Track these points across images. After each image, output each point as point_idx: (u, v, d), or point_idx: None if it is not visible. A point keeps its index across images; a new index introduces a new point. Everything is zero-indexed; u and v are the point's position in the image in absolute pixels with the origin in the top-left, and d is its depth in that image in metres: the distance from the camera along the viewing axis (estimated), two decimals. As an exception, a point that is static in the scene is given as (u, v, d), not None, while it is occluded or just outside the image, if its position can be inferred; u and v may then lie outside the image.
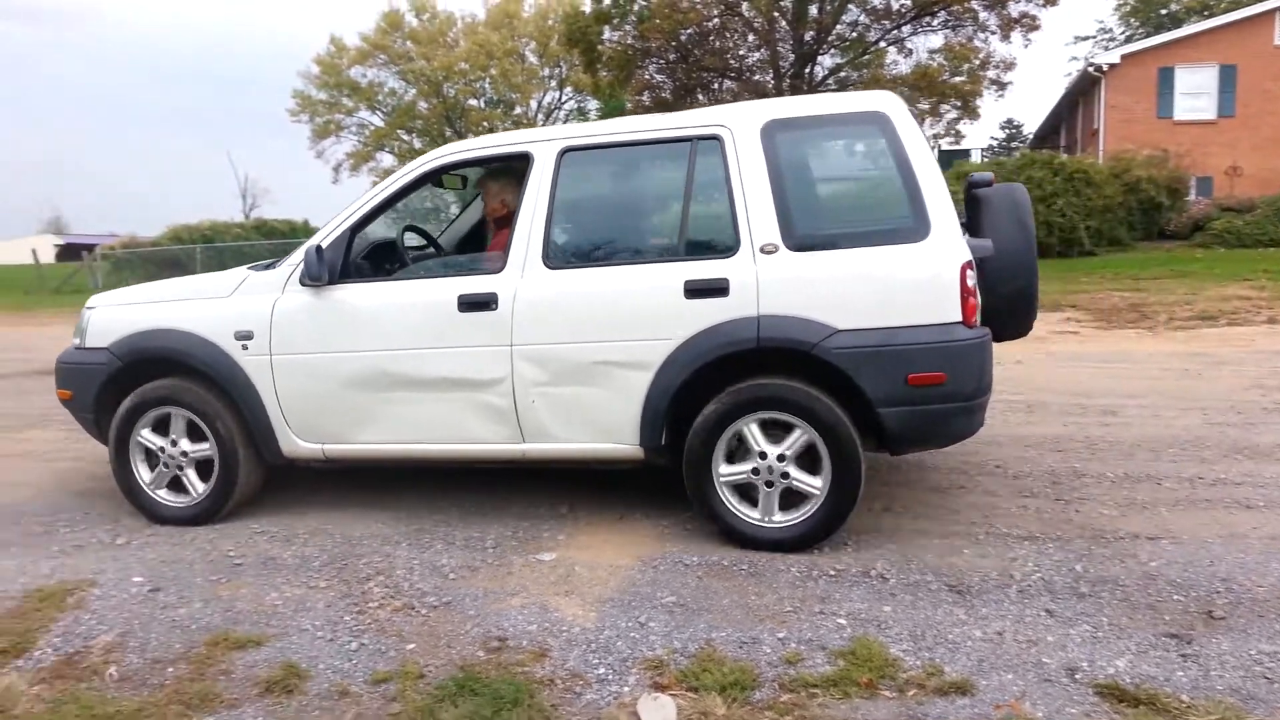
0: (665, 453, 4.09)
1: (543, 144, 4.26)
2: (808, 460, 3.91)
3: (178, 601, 3.69)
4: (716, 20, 24.87)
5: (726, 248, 3.94)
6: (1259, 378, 7.42)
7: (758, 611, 3.40)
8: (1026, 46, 23.31)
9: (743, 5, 24.16)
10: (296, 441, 4.46)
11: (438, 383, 4.22)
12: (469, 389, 4.19)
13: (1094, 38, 43.90)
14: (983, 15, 22.97)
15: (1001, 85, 23.96)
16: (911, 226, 3.78)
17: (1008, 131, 47.87)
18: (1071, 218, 17.86)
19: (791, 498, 3.95)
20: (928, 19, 23.58)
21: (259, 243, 28.46)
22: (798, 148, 4.05)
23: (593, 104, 40.82)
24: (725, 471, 3.98)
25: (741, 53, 26.26)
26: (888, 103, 3.97)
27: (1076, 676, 2.88)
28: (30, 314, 20.73)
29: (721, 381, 3.95)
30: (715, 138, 4.03)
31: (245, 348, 4.41)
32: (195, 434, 4.55)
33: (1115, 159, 19.75)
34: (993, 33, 23.19)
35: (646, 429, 4.02)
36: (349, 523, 4.51)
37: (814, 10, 23.97)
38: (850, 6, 23.79)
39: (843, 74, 25.71)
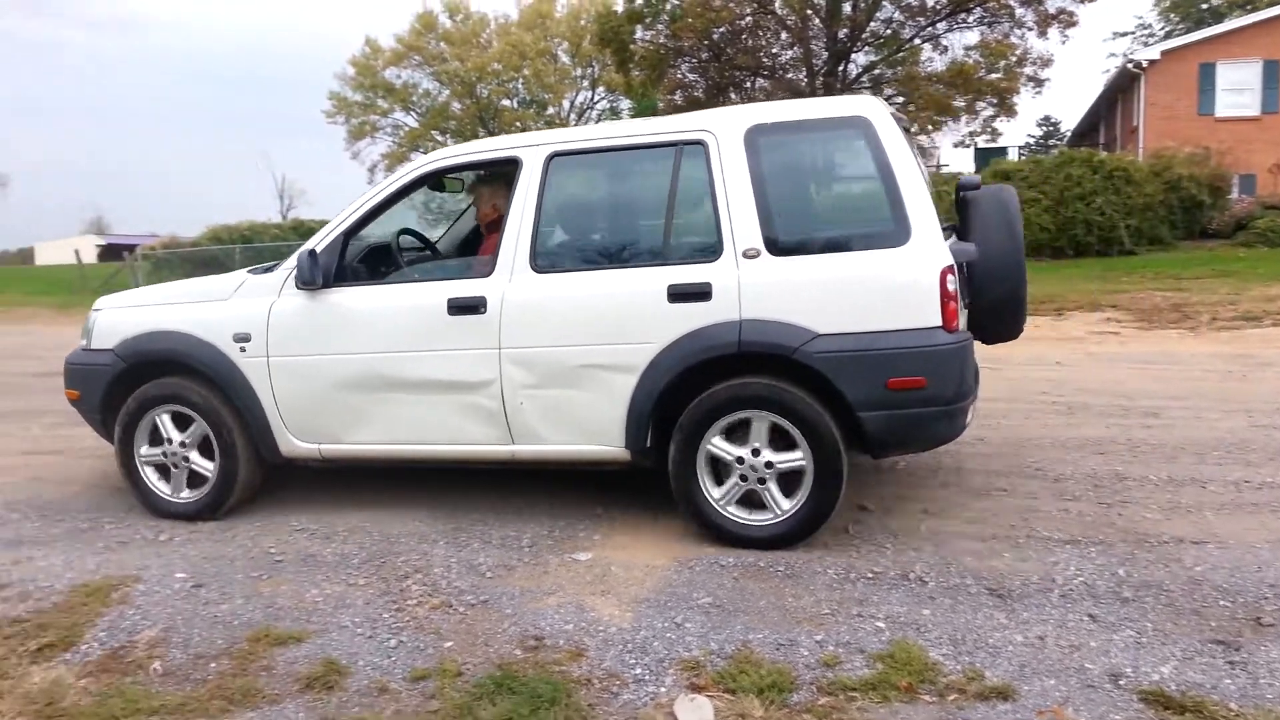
0: (651, 455, 4.12)
1: (531, 149, 4.31)
2: (788, 453, 3.94)
3: (220, 597, 3.74)
4: (749, 18, 24.81)
5: (709, 252, 3.97)
6: (1305, 379, 7.28)
7: (795, 613, 3.39)
8: (1064, 43, 23.13)
9: (776, 3, 24.09)
10: (293, 441, 4.54)
11: (429, 385, 4.28)
12: (459, 391, 4.25)
13: (1133, 33, 43.26)
14: (1019, 11, 22.74)
15: (1039, 82, 23.73)
16: (892, 231, 3.80)
17: (1045, 129, 47.35)
18: (1111, 216, 17.60)
19: (756, 498, 3.99)
20: (963, 15, 23.37)
21: (296, 243, 28.52)
22: (780, 153, 4.05)
23: (625, 104, 40.85)
24: (710, 481, 4.01)
25: (774, 51, 26.20)
26: (870, 108, 3.97)
27: (1120, 683, 2.84)
28: (74, 313, 21.07)
29: (706, 385, 3.97)
30: (700, 143, 4.06)
31: (243, 349, 4.50)
32: (197, 433, 4.65)
33: (1155, 156, 19.42)
34: (1029, 29, 22.96)
35: (632, 431, 4.06)
36: (387, 521, 4.55)
37: (848, 7, 23.84)
38: (885, 3, 23.65)
39: (876, 72, 25.57)
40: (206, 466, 4.66)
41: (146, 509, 4.78)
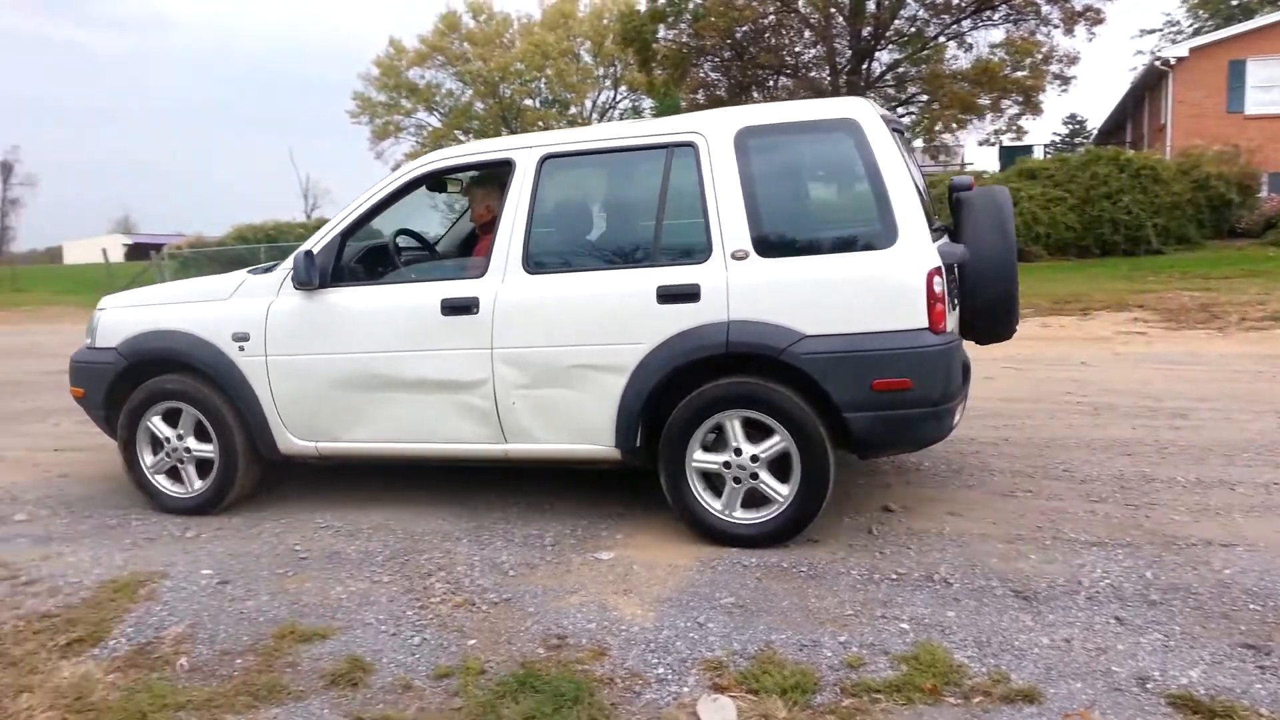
0: (641, 454, 4.15)
1: (524, 150, 4.35)
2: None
3: (245, 594, 3.77)
4: (772, 17, 24.76)
5: (699, 253, 3.99)
6: (1337, 380, 7.17)
7: (818, 614, 3.38)
8: (1090, 40, 22.90)
9: (799, 1, 24.01)
10: (291, 439, 4.61)
11: (423, 384, 4.33)
12: (452, 390, 4.30)
13: (1160, 30, 42.80)
14: (1045, 9, 22.58)
15: (1065, 80, 23.54)
16: (880, 233, 3.82)
17: (1071, 127, 46.89)
18: (1138, 215, 17.44)
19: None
20: (988, 13, 23.21)
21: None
22: (770, 154, 4.07)
23: (647, 103, 40.82)
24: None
25: (797, 49, 26.12)
26: (859, 110, 3.97)
27: (1148, 686, 2.81)
28: (101, 311, 21.31)
29: (696, 385, 4.00)
30: (690, 145, 4.08)
31: (242, 348, 4.57)
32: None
33: (1183, 155, 19.23)
34: (1055, 26, 22.79)
35: (622, 431, 4.09)
36: (411, 519, 4.57)
37: (872, 5, 23.72)
38: (909, 1, 23.49)
39: (901, 70, 25.42)
40: (206, 449, 4.74)
41: (151, 505, 4.88)
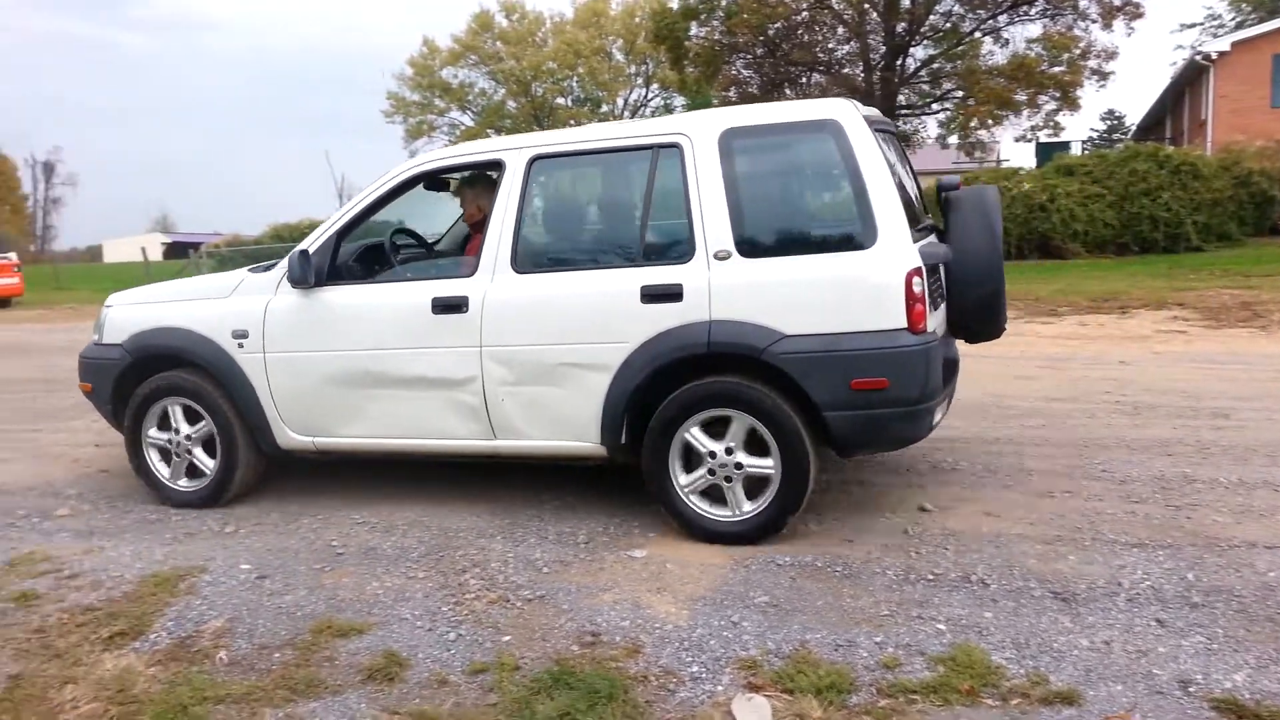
0: (626, 451, 4.20)
1: (514, 151, 4.41)
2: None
3: (283, 589, 3.81)
4: (805, 13, 24.61)
5: (682, 253, 4.04)
6: (1385, 380, 7.02)
7: (853, 614, 3.36)
8: (1129, 35, 22.57)
9: (832, -2, 23.85)
10: (289, 434, 4.72)
11: (415, 381, 4.41)
12: (443, 387, 4.37)
13: (1202, 24, 42.03)
14: (1083, 3, 22.25)
15: (1103, 75, 23.14)
16: (859, 233, 3.84)
17: (1109, 123, 46.30)
18: (1178, 212, 17.12)
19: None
20: (1025, 7, 22.92)
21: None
22: (753, 155, 4.12)
23: (679, 100, 40.78)
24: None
25: (831, 46, 25.95)
26: (841, 111, 3.99)
27: (1190, 689, 2.77)
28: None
29: (680, 384, 4.04)
30: (675, 146, 4.12)
31: (241, 345, 4.68)
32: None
33: (1225, 151, 18.86)
34: (1093, 21, 22.44)
35: (607, 428, 4.15)
36: (446, 515, 4.60)
37: (906, 1, 23.51)
38: (944, -4, 23.25)
39: (936, 66, 25.17)
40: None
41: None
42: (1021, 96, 23.24)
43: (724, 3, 24.62)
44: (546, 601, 3.59)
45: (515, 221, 4.29)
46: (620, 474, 4.91)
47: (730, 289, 3.91)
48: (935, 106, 26.20)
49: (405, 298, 4.46)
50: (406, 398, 4.45)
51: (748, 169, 4.05)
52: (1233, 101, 23.03)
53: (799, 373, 3.83)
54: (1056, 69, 23.01)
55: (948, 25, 24.07)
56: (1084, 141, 36.30)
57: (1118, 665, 2.93)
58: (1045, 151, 25.95)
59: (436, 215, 5.39)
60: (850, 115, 3.95)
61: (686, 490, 4.10)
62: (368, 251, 4.93)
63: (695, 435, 4.04)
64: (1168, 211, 17.18)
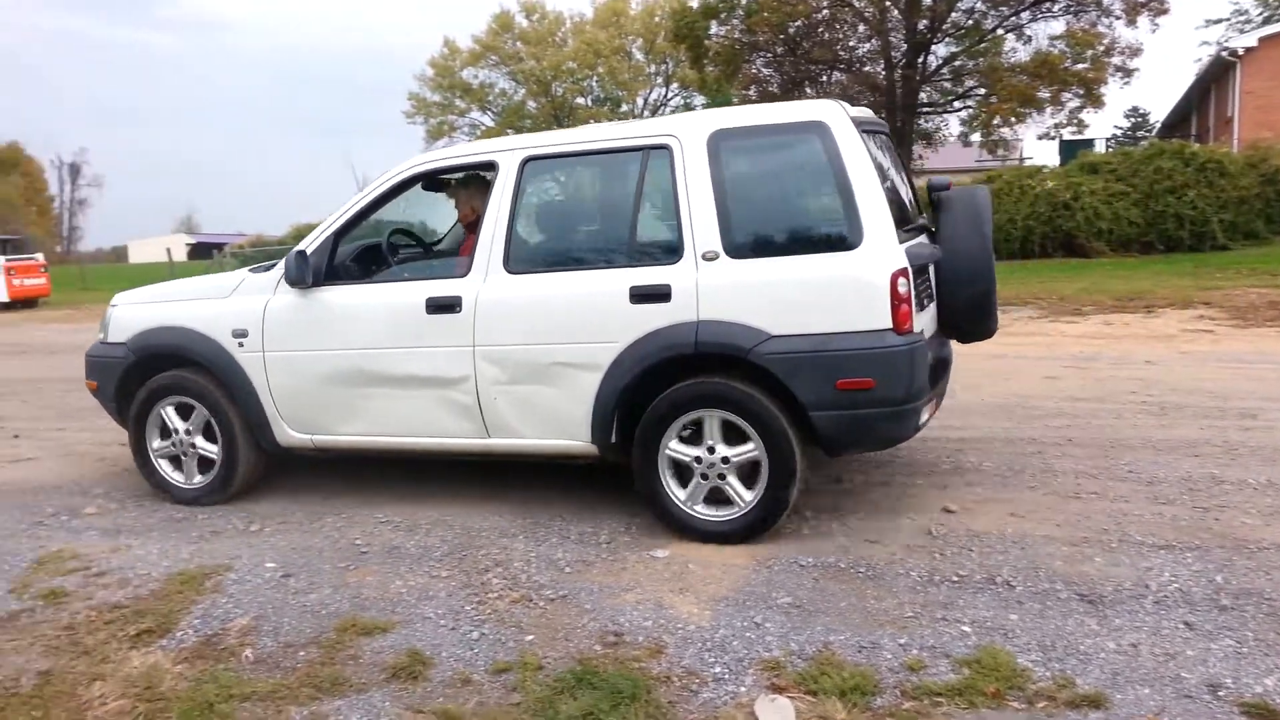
0: (616, 450, 4.24)
1: (506, 153, 4.46)
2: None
3: (308, 587, 3.84)
4: (826, 11, 24.50)
5: (671, 254, 4.07)
6: None
7: (877, 616, 3.34)
8: (1154, 31, 22.33)
9: (853, -4, 23.73)
10: (289, 432, 4.80)
11: (410, 380, 4.48)
12: (437, 386, 4.44)
13: (1228, 20, 41.49)
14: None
15: (1127, 72, 22.92)
16: (846, 234, 3.86)
17: (1133, 120, 45.93)
18: (1203, 210, 16.93)
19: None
20: (1048, 4, 22.70)
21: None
22: (742, 157, 4.15)
23: (699, 99, 40.72)
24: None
25: (851, 44, 25.82)
26: (829, 112, 4.01)
27: (1219, 694, 2.74)
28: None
29: (670, 383, 4.08)
30: (665, 147, 4.15)
31: (241, 344, 4.76)
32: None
33: (1252, 148, 18.62)
34: (1117, 17, 22.21)
35: (598, 427, 4.19)
36: (468, 514, 4.62)
37: (928, -1, 23.37)
38: (966, -8, 23.08)
39: (958, 63, 25.01)
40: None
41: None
42: (1044, 94, 23.07)
43: (744, 1, 24.55)
44: (569, 601, 3.59)
45: (508, 222, 4.34)
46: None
47: (718, 289, 3.94)
48: (957, 104, 26.01)
49: (400, 298, 4.51)
50: (402, 396, 4.52)
51: (736, 170, 4.08)
52: (1259, 98, 22.74)
53: (785, 372, 3.86)
54: (1080, 66, 22.78)
55: (970, 22, 23.87)
56: (1108, 139, 36.02)
57: (1145, 668, 2.90)
58: (1069, 149, 25.73)
59: (452, 215, 5.43)
60: (837, 117, 3.98)
61: (673, 486, 4.14)
62: (365, 252, 5.00)
63: (676, 449, 4.09)
64: (1193, 209, 16.99)
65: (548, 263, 4.47)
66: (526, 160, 4.39)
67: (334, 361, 4.59)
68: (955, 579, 3.61)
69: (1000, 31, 24.13)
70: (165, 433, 5.01)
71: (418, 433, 4.57)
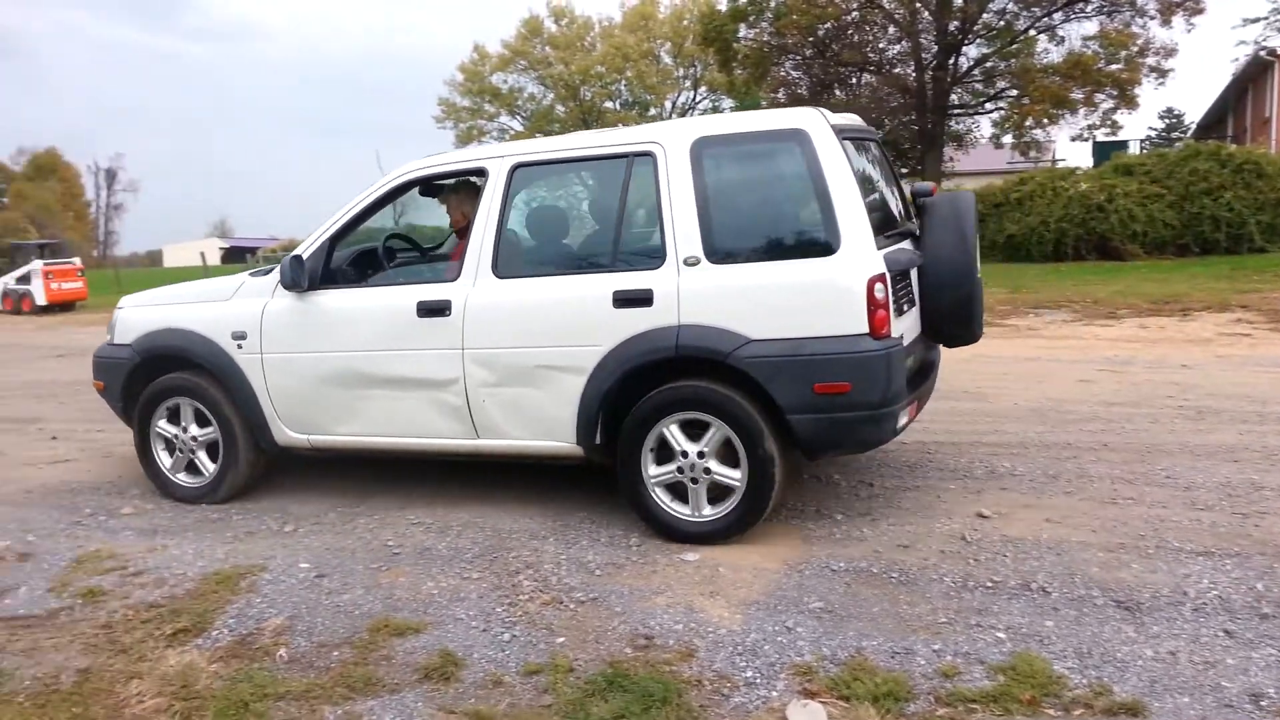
0: (601, 451, 4.31)
1: (496, 160, 4.53)
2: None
3: (341, 588, 3.87)
4: (855, 13, 24.43)
5: (654, 259, 4.12)
6: None
7: (910, 621, 3.32)
8: (1189, 31, 21.95)
9: (883, -3, 23.61)
10: (286, 432, 4.90)
11: (401, 382, 4.57)
12: (428, 388, 4.52)
13: (1265, 19, 40.80)
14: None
15: (1162, 73, 22.66)
16: (824, 240, 3.90)
17: (1168, 121, 45.35)
18: (1240, 212, 16.70)
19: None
20: (1081, 4, 22.51)
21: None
22: (724, 164, 4.18)
23: (727, 103, 40.68)
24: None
25: (881, 45, 25.72)
26: (809, 121, 4.04)
27: (1262, 703, 2.70)
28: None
29: (653, 386, 4.13)
30: (649, 154, 4.20)
31: (240, 346, 4.87)
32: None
33: (1291, 148, 18.40)
34: (1152, 17, 21.99)
35: (583, 429, 4.26)
36: (499, 516, 4.63)
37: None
38: (997, -7, 22.90)
39: (989, 64, 24.81)
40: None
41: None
42: (1078, 95, 22.85)
43: (773, 4, 24.52)
44: (599, 604, 3.60)
45: (497, 227, 4.41)
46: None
47: (699, 294, 3.99)
48: (989, 106, 25.81)
49: (392, 301, 4.59)
50: (395, 398, 4.60)
51: (718, 177, 4.13)
52: (1299, 98, 22.40)
53: (763, 376, 3.90)
54: (1114, 67, 22.55)
55: (1001, 23, 23.70)
56: (1142, 140, 35.61)
57: (1184, 677, 2.86)
58: (1103, 151, 25.48)
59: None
60: (817, 125, 4.01)
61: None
62: (360, 256, 5.10)
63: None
64: (1230, 211, 16.77)
65: (535, 267, 4.55)
66: (515, 167, 4.46)
67: (329, 363, 4.68)
68: (989, 585, 3.58)
69: (1032, 32, 23.93)
70: (169, 442, 5.14)
71: (410, 433, 4.66)
